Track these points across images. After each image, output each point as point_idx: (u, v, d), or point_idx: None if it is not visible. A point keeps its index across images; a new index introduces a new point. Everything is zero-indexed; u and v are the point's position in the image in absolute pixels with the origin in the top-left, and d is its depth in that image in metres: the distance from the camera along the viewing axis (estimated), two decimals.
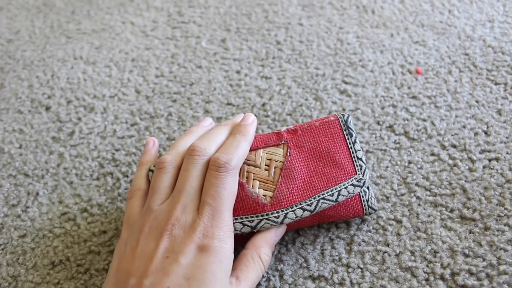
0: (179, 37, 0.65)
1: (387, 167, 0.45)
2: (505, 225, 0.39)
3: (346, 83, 0.54)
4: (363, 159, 0.39)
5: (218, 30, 0.65)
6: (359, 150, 0.39)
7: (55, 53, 0.64)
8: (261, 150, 0.38)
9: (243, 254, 0.35)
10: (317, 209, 0.36)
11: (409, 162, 0.45)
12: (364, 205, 0.39)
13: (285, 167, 0.37)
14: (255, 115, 0.52)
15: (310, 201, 0.36)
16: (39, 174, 0.48)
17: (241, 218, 0.35)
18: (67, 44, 0.66)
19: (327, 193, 0.36)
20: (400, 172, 0.44)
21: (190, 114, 0.53)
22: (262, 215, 0.35)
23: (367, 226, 0.40)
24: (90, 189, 0.46)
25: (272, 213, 0.35)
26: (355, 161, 0.38)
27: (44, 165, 0.49)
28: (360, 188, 0.37)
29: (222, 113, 0.52)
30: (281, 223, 0.36)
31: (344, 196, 0.37)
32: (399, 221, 0.40)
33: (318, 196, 0.36)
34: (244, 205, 0.36)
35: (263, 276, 0.37)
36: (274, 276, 0.37)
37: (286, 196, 0.36)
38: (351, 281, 0.37)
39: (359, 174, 0.38)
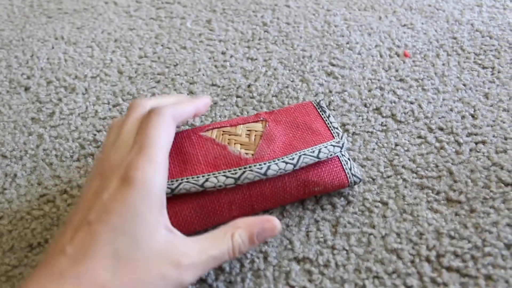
0: (163, 18, 0.63)
1: (374, 149, 0.44)
2: (490, 208, 0.39)
3: (333, 65, 0.54)
4: (339, 128, 0.40)
5: (203, 11, 0.64)
6: (334, 122, 0.41)
7: (34, 33, 0.62)
8: (241, 125, 0.40)
9: (218, 228, 0.33)
10: (299, 163, 0.37)
11: (396, 145, 0.44)
12: (348, 173, 0.39)
13: (265, 133, 0.39)
14: (240, 96, 0.51)
15: (291, 156, 0.37)
16: (17, 156, 0.47)
17: (224, 172, 0.36)
18: (48, 24, 0.64)
19: (307, 150, 0.38)
20: (387, 154, 0.44)
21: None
22: (245, 167, 0.36)
23: (353, 208, 0.40)
24: (70, 170, 0.45)
25: (255, 165, 0.36)
26: (332, 129, 0.40)
27: (22, 146, 0.48)
28: (340, 149, 0.39)
29: (207, 94, 0.51)
30: (265, 174, 0.36)
31: (324, 154, 0.38)
32: (385, 203, 0.40)
33: (299, 152, 0.37)
34: (227, 161, 0.36)
35: (246, 258, 0.37)
36: (258, 258, 0.37)
37: (268, 153, 0.37)
38: (336, 263, 0.36)
39: (336, 138, 0.39)
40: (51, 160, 0.46)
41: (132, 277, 0.29)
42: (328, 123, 0.40)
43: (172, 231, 0.31)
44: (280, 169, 0.36)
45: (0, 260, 0.39)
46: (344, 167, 0.39)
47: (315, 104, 0.42)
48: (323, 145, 0.38)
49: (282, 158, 0.37)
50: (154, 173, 0.31)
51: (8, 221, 0.42)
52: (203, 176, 0.35)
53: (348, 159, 0.40)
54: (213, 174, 0.35)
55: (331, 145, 0.38)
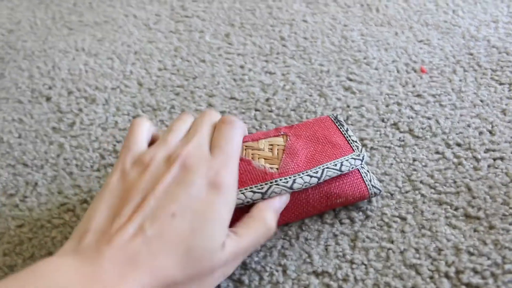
0: (182, 31, 0.64)
1: (392, 164, 0.44)
2: (509, 224, 0.39)
3: (350, 80, 0.54)
4: (358, 141, 0.41)
5: (221, 25, 0.65)
6: (353, 136, 0.41)
7: (56, 44, 0.64)
8: (262, 139, 0.40)
9: (246, 216, 0.35)
10: (323, 176, 0.37)
11: (414, 160, 0.44)
12: (368, 185, 0.40)
13: (287, 148, 0.39)
14: (259, 110, 0.51)
15: (315, 169, 0.37)
16: (38, 164, 0.48)
17: (251, 188, 0.36)
18: (69, 36, 0.65)
19: (330, 164, 0.38)
20: (405, 170, 0.44)
21: (193, 108, 0.52)
22: (271, 182, 0.36)
23: (371, 222, 0.40)
24: (90, 180, 0.46)
25: (281, 180, 0.36)
26: (351, 143, 0.40)
27: (43, 155, 0.48)
28: (360, 162, 0.39)
29: (225, 107, 0.52)
30: (291, 188, 0.36)
31: (346, 167, 0.38)
32: (403, 218, 0.40)
33: (323, 166, 0.38)
34: (253, 177, 0.37)
35: (265, 271, 0.37)
36: (277, 271, 0.37)
37: (292, 166, 0.37)
38: (355, 277, 0.36)
39: (356, 151, 0.40)
40: (72, 169, 0.47)
41: (195, 276, 0.30)
42: (347, 137, 0.41)
43: (230, 236, 0.32)
44: (305, 182, 0.36)
45: (21, 267, 0.39)
46: (364, 179, 0.40)
47: (332, 118, 0.43)
48: (344, 159, 0.39)
49: (307, 172, 0.37)
50: (234, 188, 0.34)
51: (28, 229, 0.42)
52: None
53: (368, 171, 0.40)
54: (240, 190, 0.36)
55: (352, 158, 0.39)
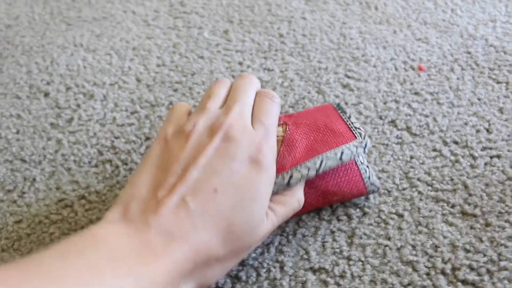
0: (181, 27, 0.64)
1: (389, 161, 0.45)
2: (505, 222, 0.39)
3: (348, 77, 0.54)
4: (361, 128, 0.40)
5: (220, 21, 0.65)
6: (356, 122, 0.40)
7: (54, 40, 0.64)
8: None
9: (280, 194, 0.35)
10: (322, 167, 0.36)
11: (411, 157, 0.45)
12: (366, 182, 0.39)
13: (286, 139, 0.38)
14: None
15: (314, 160, 0.36)
16: (36, 160, 0.48)
17: None
18: (67, 31, 0.65)
19: (330, 153, 0.37)
20: (402, 167, 0.44)
21: (192, 104, 0.52)
22: None
23: (369, 219, 0.40)
24: (88, 176, 0.46)
25: (277, 177, 0.35)
26: (353, 130, 0.39)
27: (41, 151, 0.48)
28: (363, 150, 0.38)
29: None
30: (288, 184, 0.36)
31: (347, 155, 0.37)
32: (400, 215, 0.40)
33: (321, 156, 0.37)
34: None
35: (263, 267, 0.37)
36: (274, 267, 0.37)
37: (289, 161, 0.36)
38: (352, 274, 0.36)
39: (359, 138, 0.38)
40: (70, 165, 0.47)
41: (232, 253, 0.31)
42: (349, 124, 0.40)
43: (268, 215, 0.33)
44: (302, 176, 0.36)
45: None
46: (363, 176, 0.39)
47: (334, 106, 0.42)
48: (345, 146, 0.38)
49: (304, 163, 0.36)
50: (274, 163, 0.34)
51: (27, 224, 0.42)
52: None
53: (367, 166, 0.40)
54: None
55: (354, 145, 0.38)
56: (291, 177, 0.36)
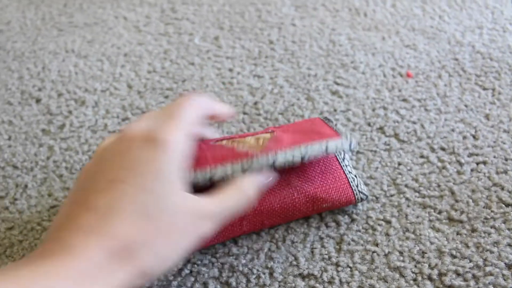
0: (172, 33, 0.65)
1: (377, 168, 0.45)
2: (491, 228, 0.40)
3: (337, 84, 0.55)
4: (348, 133, 0.41)
5: (211, 28, 0.65)
6: (343, 132, 0.42)
7: (46, 45, 0.64)
8: (250, 136, 0.39)
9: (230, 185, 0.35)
10: (308, 155, 0.36)
11: (399, 164, 0.45)
12: (354, 190, 0.40)
13: (272, 138, 0.38)
14: (247, 113, 0.52)
15: (299, 147, 0.37)
16: (28, 167, 0.48)
17: (231, 162, 0.35)
18: (59, 37, 0.65)
19: (315, 142, 0.37)
20: (390, 173, 0.45)
21: None
22: (252, 158, 0.36)
23: (357, 225, 0.40)
24: None
25: (262, 157, 0.35)
26: (340, 133, 0.40)
27: (33, 157, 0.49)
28: (348, 146, 0.38)
29: None
30: (273, 166, 0.35)
31: (332, 147, 0.37)
32: (388, 222, 0.41)
33: (308, 144, 0.37)
34: (235, 154, 0.36)
35: (252, 273, 0.38)
36: (264, 273, 0.38)
37: (275, 148, 0.36)
38: (340, 280, 0.37)
39: (345, 137, 0.39)
40: (61, 172, 0.47)
41: (156, 232, 0.30)
42: (336, 130, 0.41)
43: (202, 198, 0.32)
44: (287, 159, 0.36)
45: None
46: (351, 184, 0.40)
47: (322, 118, 0.44)
48: (331, 139, 0.38)
49: (291, 148, 0.36)
50: (177, 136, 0.32)
51: (19, 231, 0.43)
52: (210, 171, 0.35)
53: (355, 175, 0.41)
54: (221, 164, 0.35)
55: (340, 140, 0.38)
56: (275, 160, 0.35)
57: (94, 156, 0.34)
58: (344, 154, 0.42)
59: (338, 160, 0.41)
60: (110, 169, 0.31)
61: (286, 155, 0.36)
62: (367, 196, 0.41)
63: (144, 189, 0.30)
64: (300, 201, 0.39)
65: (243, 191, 0.34)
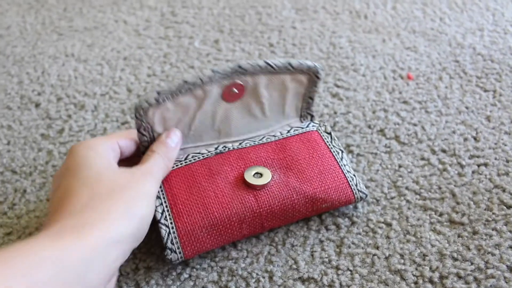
0: (172, 37, 0.65)
1: (378, 170, 0.45)
2: (492, 230, 0.39)
3: (338, 86, 0.55)
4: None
5: (211, 31, 0.65)
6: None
7: (46, 50, 0.64)
8: None
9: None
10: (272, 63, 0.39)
11: (400, 166, 0.45)
12: (354, 189, 0.40)
13: None
14: None
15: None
16: (27, 171, 0.48)
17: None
18: (59, 41, 0.65)
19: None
20: (391, 176, 0.44)
21: None
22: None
23: (357, 228, 0.40)
24: None
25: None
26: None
27: (32, 162, 0.49)
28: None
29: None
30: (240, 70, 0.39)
31: (295, 63, 0.40)
32: (389, 224, 0.40)
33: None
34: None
35: (252, 277, 0.37)
36: (263, 277, 0.37)
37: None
38: (340, 284, 0.37)
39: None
40: None
41: (101, 198, 0.33)
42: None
43: (131, 169, 0.36)
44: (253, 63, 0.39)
45: None
46: (350, 183, 0.40)
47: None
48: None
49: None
50: (97, 141, 0.37)
51: (17, 236, 0.42)
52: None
53: (354, 175, 0.41)
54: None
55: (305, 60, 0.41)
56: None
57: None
58: (342, 154, 0.42)
59: (336, 160, 0.41)
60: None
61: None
62: (366, 195, 0.41)
63: (78, 172, 0.35)
64: (300, 202, 0.39)
65: (160, 152, 0.38)
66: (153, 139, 0.39)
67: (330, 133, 0.43)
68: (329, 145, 0.42)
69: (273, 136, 0.43)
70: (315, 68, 0.40)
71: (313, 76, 0.41)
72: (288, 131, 0.43)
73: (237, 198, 0.37)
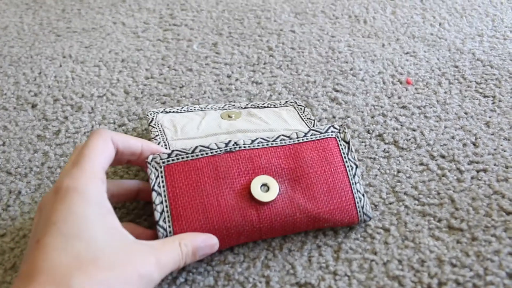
0: (170, 39, 0.64)
1: (376, 175, 0.45)
2: (492, 236, 0.39)
3: (337, 91, 0.54)
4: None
5: (210, 34, 0.65)
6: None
7: (43, 51, 0.63)
8: None
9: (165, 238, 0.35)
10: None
11: (398, 171, 0.45)
12: (359, 212, 0.39)
13: None
14: None
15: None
16: (22, 173, 0.47)
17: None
18: (56, 42, 0.65)
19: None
20: (389, 181, 0.44)
21: None
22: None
23: (355, 234, 0.40)
24: None
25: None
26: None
27: (27, 163, 0.48)
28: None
29: None
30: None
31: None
32: (387, 230, 0.40)
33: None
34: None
35: (249, 282, 0.37)
36: (260, 282, 0.37)
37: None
38: None
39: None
40: (56, 178, 0.47)
41: (99, 276, 0.29)
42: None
43: (127, 236, 0.32)
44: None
45: (1, 278, 0.39)
46: (357, 205, 0.39)
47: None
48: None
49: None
50: (87, 180, 0.31)
51: (10, 238, 0.42)
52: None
53: (363, 195, 0.39)
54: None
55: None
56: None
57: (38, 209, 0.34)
58: (356, 169, 0.40)
59: (348, 177, 0.39)
60: (33, 230, 0.32)
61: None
62: (370, 218, 0.40)
63: (71, 236, 0.29)
64: (302, 221, 0.38)
65: (181, 249, 0.33)
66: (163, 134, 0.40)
67: (348, 143, 0.41)
68: (345, 157, 0.40)
69: (289, 138, 0.40)
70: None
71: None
72: (305, 134, 0.41)
73: (240, 211, 0.36)
